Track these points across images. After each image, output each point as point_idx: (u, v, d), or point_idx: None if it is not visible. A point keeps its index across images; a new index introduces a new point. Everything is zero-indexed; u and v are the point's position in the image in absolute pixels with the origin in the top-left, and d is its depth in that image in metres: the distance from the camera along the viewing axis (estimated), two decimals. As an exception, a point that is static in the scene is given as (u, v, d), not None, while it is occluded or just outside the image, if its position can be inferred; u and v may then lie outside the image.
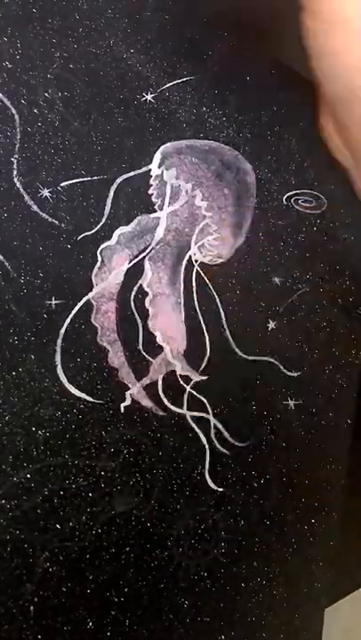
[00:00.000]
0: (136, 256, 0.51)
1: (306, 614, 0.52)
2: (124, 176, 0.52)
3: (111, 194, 0.51)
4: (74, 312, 0.47)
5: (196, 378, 0.51)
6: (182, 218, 0.54)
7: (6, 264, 0.46)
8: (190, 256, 0.53)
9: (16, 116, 0.49)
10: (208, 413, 0.50)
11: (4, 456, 0.42)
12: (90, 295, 0.48)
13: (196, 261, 0.54)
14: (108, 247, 0.50)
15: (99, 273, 0.49)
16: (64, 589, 0.42)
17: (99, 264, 0.49)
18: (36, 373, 0.45)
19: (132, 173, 0.52)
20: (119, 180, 0.52)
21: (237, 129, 0.58)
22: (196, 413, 0.50)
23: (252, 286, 0.56)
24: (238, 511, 0.50)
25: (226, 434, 0.51)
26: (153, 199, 0.53)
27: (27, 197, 0.48)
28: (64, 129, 0.50)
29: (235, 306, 0.54)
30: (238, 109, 0.59)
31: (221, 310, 0.53)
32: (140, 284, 0.51)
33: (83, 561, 0.43)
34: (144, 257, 0.52)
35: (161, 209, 0.53)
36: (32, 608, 0.40)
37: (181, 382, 0.50)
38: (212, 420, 0.50)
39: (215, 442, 0.50)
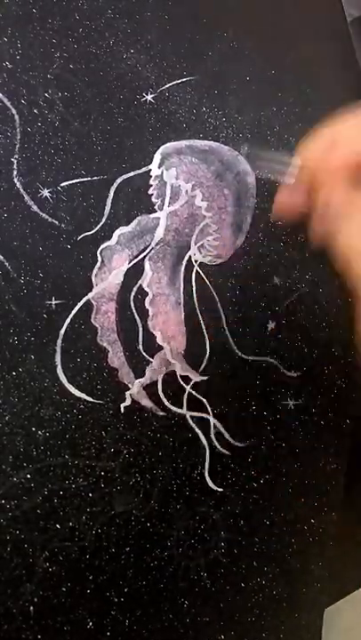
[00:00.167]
0: (136, 256, 0.51)
1: (305, 614, 0.52)
2: (124, 176, 0.52)
3: (111, 194, 0.51)
4: (74, 312, 0.47)
5: (195, 378, 0.51)
6: (182, 218, 0.54)
7: (6, 264, 0.46)
8: (190, 256, 0.53)
9: (16, 116, 0.49)
10: (208, 413, 0.50)
11: (3, 456, 0.42)
12: (90, 295, 0.48)
13: (196, 261, 0.54)
14: (108, 247, 0.50)
15: (99, 273, 0.49)
16: (64, 589, 0.42)
17: (99, 264, 0.49)
18: (36, 373, 0.45)
19: (132, 173, 0.52)
20: (119, 180, 0.52)
21: (237, 129, 0.58)
22: (195, 413, 0.50)
23: (252, 286, 0.56)
24: (238, 511, 0.50)
25: (226, 434, 0.51)
26: (153, 199, 0.53)
27: (27, 197, 0.48)
28: (64, 129, 0.50)
29: (235, 306, 0.54)
30: (238, 110, 0.59)
31: (221, 310, 0.53)
32: (140, 284, 0.51)
33: (83, 561, 0.43)
34: (144, 257, 0.52)
35: (161, 209, 0.53)
36: (32, 608, 0.40)
37: (181, 382, 0.50)
38: (212, 421, 0.50)
39: (215, 442, 0.50)
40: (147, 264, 0.52)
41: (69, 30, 0.52)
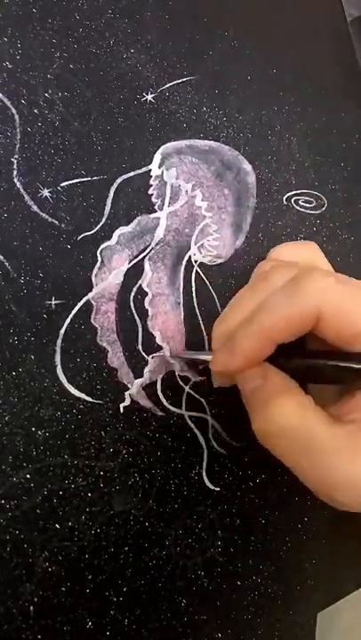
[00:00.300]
0: (136, 256, 0.51)
1: (302, 613, 0.52)
2: (124, 176, 0.52)
3: (111, 194, 0.51)
4: (74, 312, 0.47)
5: (194, 378, 0.51)
6: (182, 218, 0.54)
7: (6, 264, 0.46)
8: (190, 256, 0.54)
9: (16, 116, 0.49)
10: (206, 414, 0.51)
11: (3, 456, 0.43)
12: (90, 295, 0.48)
13: (196, 262, 0.54)
14: (108, 247, 0.50)
15: (99, 273, 0.49)
16: (63, 589, 0.42)
17: (99, 264, 0.49)
18: (36, 373, 0.45)
19: (132, 173, 0.52)
20: (119, 180, 0.52)
21: (237, 129, 0.58)
22: (194, 414, 0.50)
23: (252, 287, 0.56)
24: (235, 510, 0.50)
25: (224, 434, 0.51)
26: (153, 199, 0.53)
27: (27, 197, 0.48)
28: (64, 129, 0.50)
29: (234, 306, 0.54)
30: (238, 109, 0.59)
31: (221, 310, 0.54)
32: (140, 285, 0.51)
33: (82, 560, 0.43)
34: (144, 257, 0.52)
35: (161, 209, 0.53)
36: (32, 608, 0.41)
37: (180, 383, 0.51)
38: (210, 421, 0.51)
39: (213, 442, 0.50)
40: (147, 264, 0.52)
41: (69, 30, 0.52)
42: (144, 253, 0.52)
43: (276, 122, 0.61)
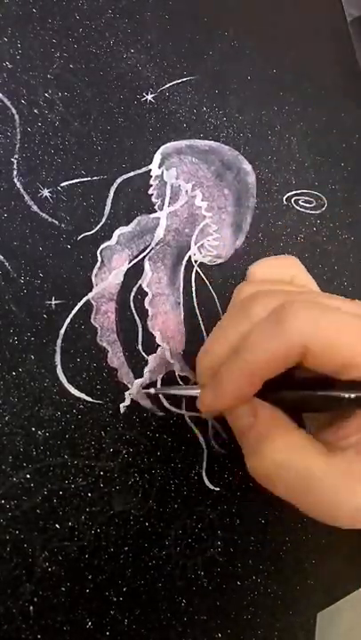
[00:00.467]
0: (136, 256, 0.52)
1: (302, 613, 0.52)
2: (124, 176, 0.52)
3: (111, 194, 0.51)
4: (74, 312, 0.47)
5: (194, 378, 0.51)
6: (182, 218, 0.54)
7: (6, 264, 0.46)
8: (190, 256, 0.54)
9: (16, 116, 0.49)
10: (206, 414, 0.51)
11: (3, 456, 0.43)
12: (90, 295, 0.48)
13: (196, 262, 0.54)
14: (108, 247, 0.50)
15: (99, 273, 0.49)
16: (63, 589, 0.42)
17: (99, 264, 0.49)
18: (36, 373, 0.45)
19: (132, 173, 0.52)
20: (119, 180, 0.52)
21: (237, 129, 0.58)
22: (194, 413, 0.50)
23: (252, 287, 0.56)
24: (235, 510, 0.50)
25: (224, 434, 0.51)
26: (153, 199, 0.53)
27: (27, 197, 0.48)
28: (64, 129, 0.50)
29: (234, 306, 0.54)
30: (238, 109, 0.59)
31: (221, 310, 0.54)
32: (140, 285, 0.51)
33: (82, 560, 0.43)
34: (144, 257, 0.52)
35: (161, 209, 0.53)
36: (32, 608, 0.41)
37: (180, 382, 0.51)
38: (211, 421, 0.51)
39: (213, 442, 0.50)
40: (147, 264, 0.52)
41: (69, 30, 0.52)
42: (144, 253, 0.52)
43: (276, 122, 0.61)
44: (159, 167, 0.54)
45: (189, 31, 0.58)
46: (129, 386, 0.48)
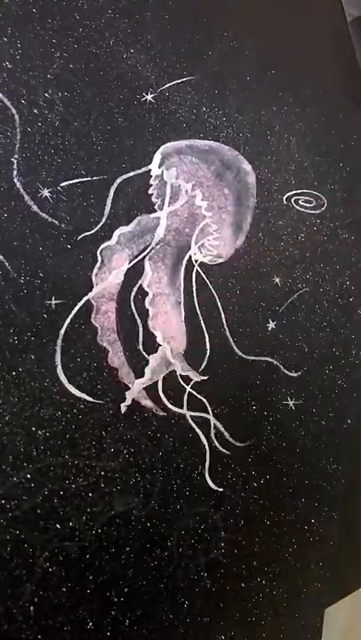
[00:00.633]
0: (136, 256, 0.51)
1: (305, 614, 0.52)
2: (124, 176, 0.52)
3: (111, 194, 0.51)
4: (74, 312, 0.47)
5: (196, 378, 0.51)
6: (182, 218, 0.54)
7: (6, 264, 0.46)
8: (190, 256, 0.53)
9: (16, 116, 0.48)
10: (208, 413, 0.50)
11: (3, 456, 0.42)
12: (90, 295, 0.48)
13: (196, 261, 0.54)
14: (108, 247, 0.50)
15: (99, 273, 0.49)
16: (64, 589, 0.42)
17: (99, 264, 0.49)
18: (36, 373, 0.45)
19: (131, 173, 0.52)
20: (119, 180, 0.52)
21: (237, 129, 0.58)
22: (196, 413, 0.50)
23: (252, 286, 0.56)
24: (238, 511, 0.50)
25: (226, 434, 0.51)
26: (153, 199, 0.53)
27: (27, 197, 0.48)
28: (64, 129, 0.50)
29: (235, 306, 0.54)
30: (238, 109, 0.59)
31: (221, 310, 0.53)
32: (140, 284, 0.51)
33: (83, 561, 0.43)
34: (144, 257, 0.52)
35: (161, 209, 0.53)
36: (32, 608, 0.40)
37: (181, 382, 0.50)
38: (212, 420, 0.50)
39: (215, 442, 0.50)
40: (147, 264, 0.52)
41: (69, 30, 0.52)
42: (144, 253, 0.52)
43: (275, 122, 0.61)
44: (159, 167, 0.53)
45: (189, 31, 0.58)
46: (130, 385, 0.48)
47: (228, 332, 0.53)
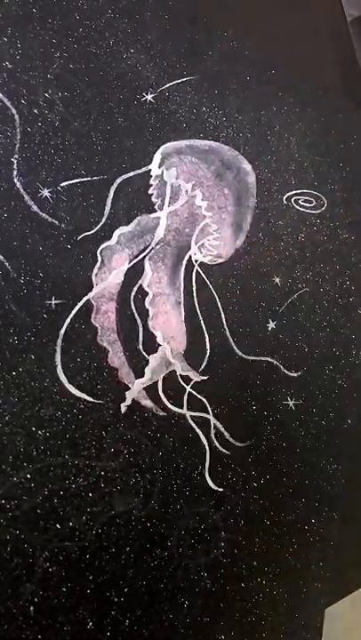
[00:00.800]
0: (136, 256, 0.51)
1: (306, 614, 0.52)
2: (124, 176, 0.52)
3: (111, 194, 0.51)
4: (74, 312, 0.47)
5: (196, 378, 0.51)
6: (182, 218, 0.54)
7: (6, 264, 0.46)
8: (190, 256, 0.53)
9: (16, 116, 0.48)
10: (208, 413, 0.50)
11: (3, 456, 0.42)
12: (90, 295, 0.48)
13: (197, 261, 0.54)
14: (108, 247, 0.50)
15: (99, 273, 0.49)
16: (64, 589, 0.42)
17: (99, 264, 0.49)
18: (36, 373, 0.45)
19: (131, 173, 0.52)
20: (119, 180, 0.52)
21: (237, 129, 0.58)
22: (196, 413, 0.50)
23: (252, 286, 0.56)
24: (238, 511, 0.50)
25: (226, 434, 0.50)
26: (153, 199, 0.53)
27: (27, 197, 0.48)
28: (64, 129, 0.50)
29: (235, 306, 0.54)
30: (238, 109, 0.59)
31: (221, 310, 0.53)
32: (140, 284, 0.51)
33: (83, 561, 0.43)
34: (144, 257, 0.52)
35: (161, 209, 0.53)
36: (32, 608, 0.40)
37: (181, 382, 0.50)
38: (212, 420, 0.50)
39: (215, 442, 0.50)
40: (147, 264, 0.52)
41: (69, 30, 0.52)
42: (144, 253, 0.52)
43: (275, 122, 0.61)
44: (159, 167, 0.53)
45: (189, 31, 0.58)
46: (130, 385, 0.48)
47: (228, 332, 0.53)
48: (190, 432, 0.49)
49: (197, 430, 0.49)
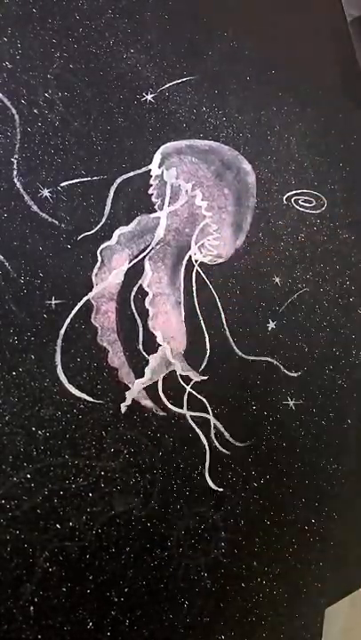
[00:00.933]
0: (136, 256, 0.51)
1: (306, 614, 0.52)
2: (124, 176, 0.52)
3: (111, 194, 0.51)
4: (74, 312, 0.47)
5: (196, 378, 0.51)
6: (182, 218, 0.54)
7: (6, 264, 0.46)
8: (190, 256, 0.53)
9: (16, 116, 0.48)
10: (208, 413, 0.50)
11: (3, 456, 0.42)
12: (90, 295, 0.48)
13: (196, 261, 0.54)
14: (108, 247, 0.50)
15: (99, 273, 0.49)
16: (64, 589, 0.42)
17: (99, 264, 0.49)
18: (36, 373, 0.45)
19: (131, 173, 0.52)
20: (119, 180, 0.52)
21: (237, 129, 0.58)
22: (196, 413, 0.50)
23: (252, 286, 0.56)
24: (238, 511, 0.50)
25: (226, 434, 0.50)
26: (153, 199, 0.53)
27: (27, 197, 0.48)
28: (64, 129, 0.50)
29: (235, 306, 0.54)
30: (238, 109, 0.59)
31: (221, 310, 0.53)
32: (140, 284, 0.51)
33: (83, 561, 0.43)
34: (144, 257, 0.52)
35: (161, 209, 0.53)
36: (32, 608, 0.40)
37: (181, 382, 0.50)
38: (212, 420, 0.50)
39: (215, 442, 0.50)
40: (147, 264, 0.52)
41: (69, 30, 0.52)
42: (144, 253, 0.52)
43: (275, 122, 0.61)
44: (159, 167, 0.53)
45: (189, 31, 0.58)
46: (130, 385, 0.48)
47: (228, 332, 0.53)
48: (190, 432, 0.49)
49: (197, 430, 0.49)
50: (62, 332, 0.46)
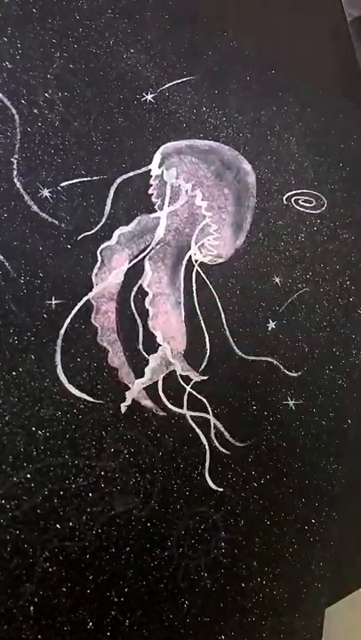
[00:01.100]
0: (136, 256, 0.51)
1: (306, 614, 0.52)
2: (124, 176, 0.52)
3: (111, 194, 0.51)
4: (74, 312, 0.47)
5: (196, 378, 0.51)
6: (182, 218, 0.54)
7: (6, 264, 0.46)
8: (190, 256, 0.53)
9: (16, 116, 0.48)
10: (208, 413, 0.50)
11: (3, 456, 0.42)
12: (90, 295, 0.48)
13: (197, 261, 0.54)
14: (108, 247, 0.50)
15: (99, 273, 0.49)
16: (64, 589, 0.42)
17: (99, 264, 0.49)
18: (36, 373, 0.45)
19: (131, 173, 0.52)
20: (119, 180, 0.52)
21: (237, 129, 0.58)
22: (196, 413, 0.50)
23: (252, 286, 0.56)
24: (238, 511, 0.50)
25: (226, 434, 0.51)
26: (153, 199, 0.53)
27: (27, 197, 0.48)
28: (64, 129, 0.50)
29: (235, 306, 0.54)
30: (238, 109, 0.59)
31: (221, 310, 0.53)
32: (140, 284, 0.51)
33: (83, 561, 0.43)
34: (144, 257, 0.52)
35: (161, 209, 0.53)
36: (32, 608, 0.40)
37: (181, 382, 0.50)
38: (213, 420, 0.50)
39: (215, 442, 0.50)
40: (147, 264, 0.52)
41: (69, 30, 0.52)
42: (144, 253, 0.52)
43: (275, 122, 0.61)
44: (159, 167, 0.53)
45: (189, 31, 0.58)
46: (130, 385, 0.48)
47: (228, 332, 0.53)
48: (190, 432, 0.49)
49: (197, 430, 0.49)
50: (62, 331, 0.46)
